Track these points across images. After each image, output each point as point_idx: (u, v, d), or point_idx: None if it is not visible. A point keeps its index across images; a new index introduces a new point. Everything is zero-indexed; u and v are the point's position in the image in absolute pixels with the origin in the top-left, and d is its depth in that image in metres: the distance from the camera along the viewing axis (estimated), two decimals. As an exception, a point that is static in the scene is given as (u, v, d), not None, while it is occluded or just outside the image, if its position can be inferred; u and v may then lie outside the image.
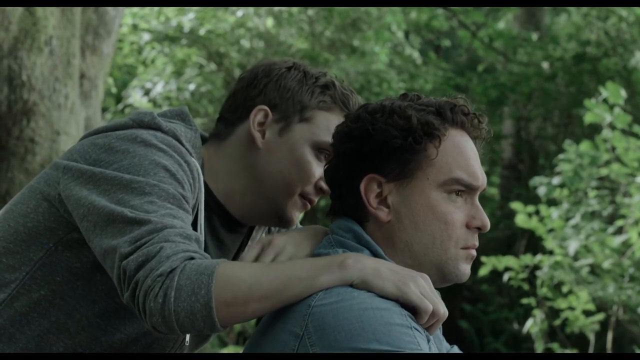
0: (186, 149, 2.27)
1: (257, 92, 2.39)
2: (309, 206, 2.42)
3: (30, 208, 2.26)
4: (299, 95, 2.37)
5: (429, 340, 2.02)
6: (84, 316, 2.25)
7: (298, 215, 2.43)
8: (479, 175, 2.15)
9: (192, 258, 2.00)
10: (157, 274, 1.97)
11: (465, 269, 2.14)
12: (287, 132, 2.36)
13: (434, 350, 2.07)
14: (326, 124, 2.36)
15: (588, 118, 7.72)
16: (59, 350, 2.26)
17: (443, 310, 2.01)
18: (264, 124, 2.37)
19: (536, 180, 8.48)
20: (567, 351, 7.99)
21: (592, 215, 8.23)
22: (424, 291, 1.98)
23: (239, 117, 2.40)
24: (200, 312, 1.96)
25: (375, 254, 2.10)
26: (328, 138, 2.32)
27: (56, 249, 2.23)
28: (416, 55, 13.50)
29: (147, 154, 2.17)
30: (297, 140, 2.36)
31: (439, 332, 2.23)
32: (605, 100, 7.75)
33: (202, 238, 2.21)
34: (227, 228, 2.40)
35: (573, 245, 7.70)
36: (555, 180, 8.14)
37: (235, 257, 2.47)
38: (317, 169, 2.36)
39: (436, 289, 2.14)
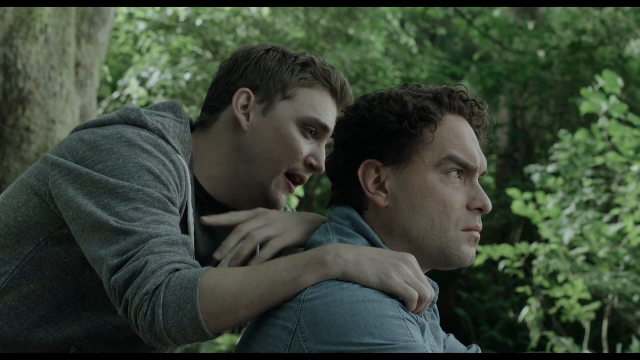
0: (172, 146, 2.27)
1: (238, 77, 2.41)
2: (294, 188, 2.42)
3: (21, 203, 2.27)
4: (279, 75, 2.38)
5: (423, 331, 2.03)
6: (74, 310, 2.26)
7: (284, 198, 2.43)
8: (477, 157, 2.15)
9: (177, 270, 2.01)
10: (143, 292, 1.98)
11: (469, 251, 2.14)
12: (270, 112, 2.38)
13: (430, 340, 2.07)
14: (309, 100, 2.38)
15: (585, 108, 7.71)
16: (49, 343, 2.27)
17: (430, 294, 2.00)
18: (247, 106, 2.39)
19: (531, 168, 8.49)
20: (563, 339, 7.99)
21: (587, 204, 8.23)
22: (408, 278, 1.98)
23: (222, 103, 2.42)
24: (190, 326, 1.97)
25: (371, 241, 2.11)
26: (312, 114, 2.36)
27: (46, 243, 2.24)
28: (412, 43, 13.49)
29: (131, 155, 2.17)
30: (282, 118, 2.37)
31: (436, 320, 2.23)
32: (601, 89, 7.74)
33: (192, 237, 2.22)
34: None
35: (568, 235, 7.70)
36: (550, 168, 8.14)
37: None
38: (305, 146, 2.37)
39: (434, 276, 2.15)
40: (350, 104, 2.44)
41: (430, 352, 1.91)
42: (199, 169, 2.38)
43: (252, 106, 2.39)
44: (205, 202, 2.38)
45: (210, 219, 2.26)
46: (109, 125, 2.27)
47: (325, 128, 2.39)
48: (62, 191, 2.17)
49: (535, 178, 8.24)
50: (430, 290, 2.01)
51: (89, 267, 2.22)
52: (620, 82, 7.62)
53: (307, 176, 2.43)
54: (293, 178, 2.41)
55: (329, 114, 2.41)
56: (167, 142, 2.27)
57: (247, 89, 2.39)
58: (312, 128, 2.38)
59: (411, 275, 1.98)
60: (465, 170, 2.14)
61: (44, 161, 2.26)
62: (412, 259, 2.01)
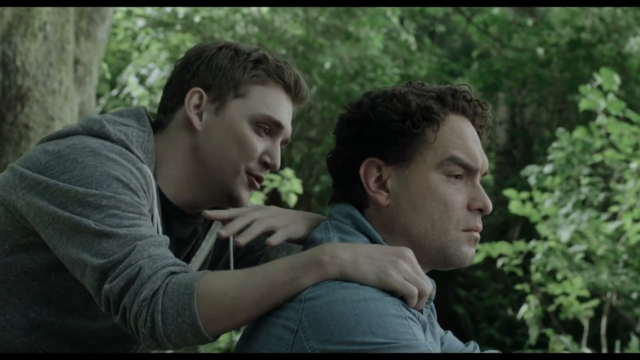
0: (137, 155, 2.26)
1: (191, 75, 2.39)
2: (257, 185, 2.41)
3: None
4: (231, 73, 2.36)
5: (425, 329, 2.03)
6: (39, 315, 2.26)
7: (247, 195, 2.41)
8: (478, 157, 2.15)
9: (172, 273, 2.01)
10: (141, 298, 1.98)
11: (468, 251, 2.13)
12: (223, 110, 2.36)
13: (429, 339, 2.07)
14: (262, 97, 2.36)
15: (583, 105, 7.71)
16: (16, 346, 2.27)
17: (429, 288, 2.00)
18: (200, 105, 2.37)
19: (528, 170, 8.49)
20: (562, 337, 8.00)
21: (584, 203, 8.23)
22: (406, 275, 1.97)
23: (176, 103, 2.40)
24: (189, 331, 1.97)
25: (372, 240, 2.10)
26: (265, 111, 2.35)
27: (12, 250, 2.24)
28: (411, 40, 13.49)
29: (96, 164, 2.16)
30: (234, 116, 2.35)
31: (433, 317, 2.23)
32: (599, 87, 7.75)
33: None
34: (184, 224, 2.41)
35: (564, 235, 7.70)
36: (547, 169, 8.14)
37: (195, 248, 2.47)
38: (259, 144, 2.36)
39: (432, 274, 2.15)
40: (306, 99, 2.45)
41: (432, 350, 1.91)
42: (162, 176, 2.37)
43: (205, 105, 2.37)
44: (170, 212, 2.37)
45: (212, 213, 2.26)
46: (72, 136, 2.26)
47: (278, 125, 2.38)
48: (33, 200, 2.16)
49: (532, 180, 8.24)
50: (429, 286, 2.00)
51: (54, 272, 2.22)
52: (617, 79, 7.62)
53: (263, 175, 2.41)
54: (250, 177, 2.40)
55: (282, 110, 2.39)
56: (131, 152, 2.26)
57: (199, 89, 2.36)
58: (265, 125, 2.36)
59: (409, 271, 1.98)
60: (467, 171, 2.14)
61: (12, 171, 2.25)
62: (410, 253, 2.01)
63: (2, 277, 2.25)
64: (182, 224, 2.40)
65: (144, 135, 2.33)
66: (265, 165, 2.39)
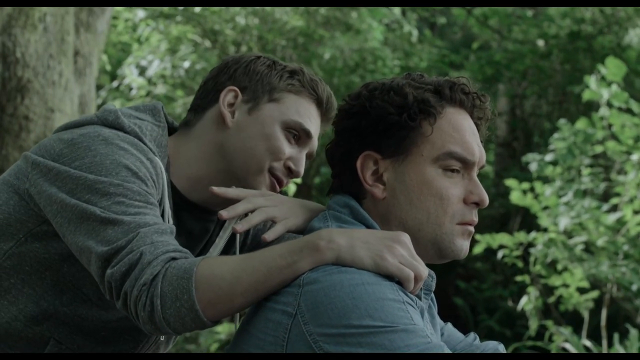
0: (149, 148, 2.29)
1: (227, 77, 2.44)
2: (277, 188, 2.43)
3: (1, 200, 2.28)
4: (268, 78, 2.42)
5: (422, 315, 2.03)
6: (51, 305, 2.27)
7: None
8: (475, 151, 2.14)
9: (173, 258, 2.03)
10: (141, 283, 2.00)
11: (462, 244, 2.13)
12: (256, 111, 2.40)
13: (428, 327, 2.08)
14: (295, 105, 2.41)
15: (586, 95, 7.70)
16: (28, 335, 2.28)
17: (425, 272, 2.01)
18: (233, 104, 2.42)
19: (529, 157, 8.49)
20: (562, 328, 8.00)
21: (585, 193, 8.23)
22: (402, 259, 1.98)
23: (209, 102, 2.45)
24: (188, 315, 1.99)
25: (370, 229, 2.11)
26: (297, 118, 2.39)
27: (26, 239, 2.25)
28: (415, 33, 13.48)
29: (108, 153, 2.19)
30: (267, 118, 2.40)
31: (433, 308, 2.23)
32: (603, 78, 7.74)
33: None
34: (195, 219, 2.43)
35: (563, 222, 7.71)
36: (548, 157, 8.15)
37: (208, 245, 2.49)
38: (287, 148, 2.40)
39: (432, 265, 2.15)
40: (332, 120, 2.46)
41: (429, 336, 1.91)
42: (177, 170, 2.40)
43: (238, 105, 2.41)
44: (182, 205, 2.39)
45: (219, 189, 2.28)
46: (86, 125, 2.30)
47: (307, 134, 2.42)
48: (44, 188, 2.19)
49: (533, 167, 8.24)
50: (425, 270, 2.01)
51: (67, 262, 2.24)
52: (624, 68, 7.62)
53: (285, 180, 2.44)
54: (272, 178, 2.42)
55: (312, 121, 2.43)
56: (144, 143, 2.29)
57: (234, 87, 2.42)
58: (294, 132, 2.40)
59: (405, 255, 1.99)
60: (464, 165, 2.14)
61: (24, 160, 2.28)
62: (406, 238, 2.01)
63: (17, 267, 2.27)
64: (194, 218, 2.42)
65: (158, 130, 2.37)
66: (289, 171, 2.42)
